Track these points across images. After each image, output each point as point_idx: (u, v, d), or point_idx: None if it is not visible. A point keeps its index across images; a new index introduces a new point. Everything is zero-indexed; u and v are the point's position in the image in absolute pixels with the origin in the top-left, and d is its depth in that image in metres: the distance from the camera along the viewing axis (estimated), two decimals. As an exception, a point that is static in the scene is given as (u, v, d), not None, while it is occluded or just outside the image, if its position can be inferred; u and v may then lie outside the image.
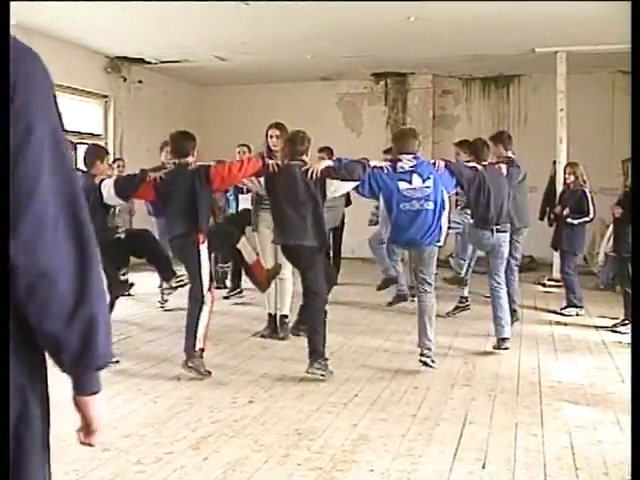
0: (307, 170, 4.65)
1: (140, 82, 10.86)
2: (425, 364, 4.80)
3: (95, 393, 1.28)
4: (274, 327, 5.91)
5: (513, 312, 5.91)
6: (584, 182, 7.05)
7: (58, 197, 1.18)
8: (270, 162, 4.87)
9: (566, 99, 9.22)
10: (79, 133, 9.70)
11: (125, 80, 10.49)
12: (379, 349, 5.48)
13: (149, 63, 10.52)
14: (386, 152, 7.23)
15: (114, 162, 8.34)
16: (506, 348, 5.34)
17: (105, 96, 10.20)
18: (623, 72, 10.20)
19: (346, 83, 12.00)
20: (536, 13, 7.25)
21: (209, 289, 4.72)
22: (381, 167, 4.77)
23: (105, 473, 3.16)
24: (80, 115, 9.82)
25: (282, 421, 3.88)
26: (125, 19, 7.85)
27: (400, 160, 4.77)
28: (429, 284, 4.89)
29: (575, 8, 7.04)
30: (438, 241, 4.82)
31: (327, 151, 7.69)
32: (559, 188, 8.38)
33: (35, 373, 1.24)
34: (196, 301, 4.65)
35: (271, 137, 5.75)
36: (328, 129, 11.59)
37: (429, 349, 4.82)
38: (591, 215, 6.93)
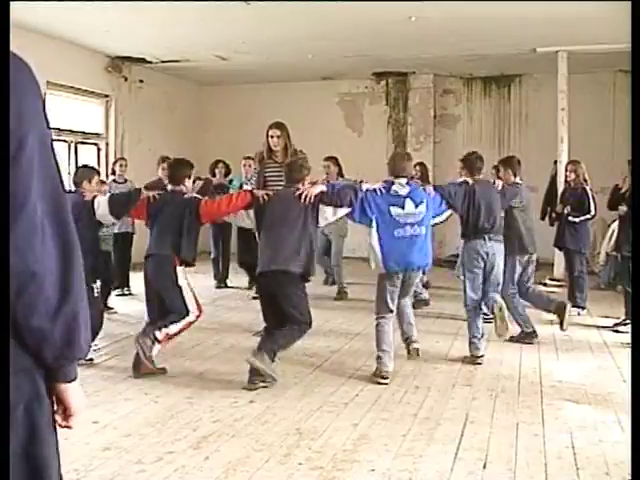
0: (300, 195, 4.59)
1: (141, 81, 10.86)
2: (417, 350, 4.94)
3: (73, 380, 1.38)
4: (275, 327, 5.91)
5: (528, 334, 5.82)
6: (585, 180, 7.05)
7: (46, 202, 1.25)
8: (259, 193, 4.81)
9: (567, 99, 9.23)
10: (80, 133, 9.71)
11: (126, 80, 10.49)
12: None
13: (150, 63, 10.52)
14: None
15: (116, 162, 8.34)
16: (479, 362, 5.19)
17: (106, 96, 10.20)
18: (624, 72, 10.20)
19: (347, 83, 12.00)
20: (537, 13, 7.24)
21: (198, 307, 4.76)
22: (374, 190, 4.67)
23: (106, 472, 3.16)
24: (81, 115, 9.83)
25: (283, 420, 3.88)
26: (126, 19, 7.85)
27: (394, 183, 4.71)
28: (410, 297, 5.19)
29: (576, 8, 7.04)
30: (428, 264, 4.88)
31: (332, 161, 7.70)
32: (560, 188, 8.38)
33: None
34: (179, 314, 4.67)
35: (272, 137, 5.73)
36: (329, 129, 11.62)
37: (413, 337, 4.99)
38: (592, 212, 6.92)
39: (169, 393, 4.34)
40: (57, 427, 1.40)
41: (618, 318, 6.37)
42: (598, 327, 6.47)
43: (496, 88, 11.65)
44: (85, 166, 5.56)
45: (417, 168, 8.07)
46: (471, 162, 5.33)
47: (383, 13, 7.37)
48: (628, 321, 6.03)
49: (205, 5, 7.09)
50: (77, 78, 9.25)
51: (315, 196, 4.59)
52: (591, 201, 6.91)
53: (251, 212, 4.74)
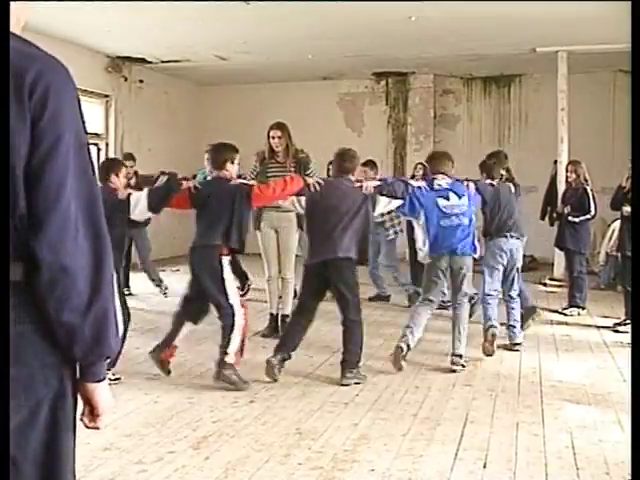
0: (360, 186, 4.74)
1: (141, 82, 10.86)
2: (453, 371, 4.91)
3: (102, 380, 1.39)
4: (275, 326, 5.90)
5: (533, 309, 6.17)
6: (586, 180, 7.04)
7: (79, 200, 1.30)
8: (311, 181, 4.79)
9: (567, 99, 9.22)
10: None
11: (126, 80, 10.49)
12: (380, 349, 5.47)
13: (150, 63, 10.52)
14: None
15: (125, 160, 8.25)
16: (517, 349, 5.54)
17: (106, 96, 10.20)
18: (624, 71, 10.20)
19: (347, 83, 12.00)
20: (537, 12, 7.24)
21: (242, 304, 4.65)
22: (419, 187, 5.01)
23: (106, 472, 3.15)
24: (81, 115, 9.83)
25: (283, 421, 3.88)
26: (126, 19, 7.86)
27: (435, 179, 5.03)
28: (465, 295, 5.11)
29: (576, 7, 7.04)
30: (474, 251, 5.11)
31: (371, 165, 7.65)
32: (560, 188, 8.38)
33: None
34: (227, 315, 4.47)
35: (273, 138, 5.73)
36: (329, 129, 11.61)
37: (459, 356, 4.96)
38: (592, 213, 6.92)
39: (169, 393, 4.34)
40: (75, 426, 1.41)
41: (618, 318, 6.37)
42: (598, 327, 6.46)
43: (496, 88, 11.66)
44: (112, 159, 5.19)
45: (419, 167, 8.10)
46: (489, 167, 5.71)
47: (383, 13, 7.37)
48: (628, 321, 6.04)
49: (205, 5, 7.09)
50: (77, 78, 8.85)
51: (374, 187, 4.78)
52: (591, 201, 6.90)
53: (302, 199, 4.74)
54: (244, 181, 4.81)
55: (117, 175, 4.62)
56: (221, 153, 4.70)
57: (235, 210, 4.49)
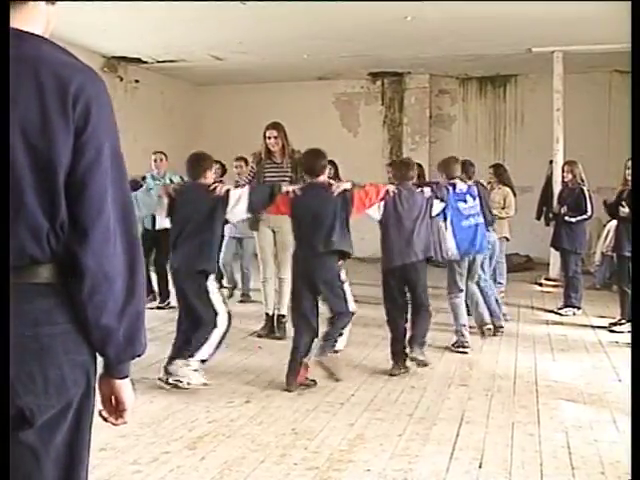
0: (422, 190, 5.04)
1: (137, 82, 10.81)
2: (491, 330, 5.81)
3: (127, 377, 1.46)
4: (271, 327, 5.91)
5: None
6: (582, 180, 7.04)
7: (117, 208, 1.36)
8: (390, 188, 4.85)
9: (562, 99, 9.22)
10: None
11: (122, 80, 10.42)
12: (376, 348, 5.46)
13: (146, 63, 10.48)
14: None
15: (154, 154, 8.10)
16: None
17: (101, 95, 10.16)
18: (620, 72, 10.22)
19: (343, 83, 11.99)
20: (533, 13, 7.24)
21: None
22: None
23: (101, 473, 3.14)
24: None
25: (279, 421, 3.87)
26: (122, 19, 7.82)
27: (456, 184, 5.45)
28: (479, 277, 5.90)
29: (572, 8, 7.04)
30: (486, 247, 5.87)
31: (420, 169, 7.71)
32: (556, 188, 8.38)
33: (93, 351, 1.41)
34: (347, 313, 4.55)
35: (269, 138, 5.71)
36: (324, 129, 11.59)
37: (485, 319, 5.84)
38: (589, 213, 6.92)
39: (164, 393, 4.32)
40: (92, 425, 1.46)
41: (614, 318, 6.37)
42: (593, 327, 6.46)
43: (492, 88, 11.66)
44: (202, 153, 4.85)
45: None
46: (467, 167, 5.97)
47: (379, 13, 7.37)
48: (624, 321, 6.05)
49: (201, 5, 7.07)
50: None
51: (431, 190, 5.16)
52: (588, 201, 6.90)
53: (382, 204, 4.83)
54: (347, 186, 4.63)
55: (211, 170, 4.62)
56: (317, 160, 4.66)
57: (337, 216, 4.48)
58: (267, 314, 5.98)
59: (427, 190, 5.00)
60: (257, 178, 5.69)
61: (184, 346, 4.38)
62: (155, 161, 7.27)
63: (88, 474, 1.49)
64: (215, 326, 4.38)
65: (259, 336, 5.87)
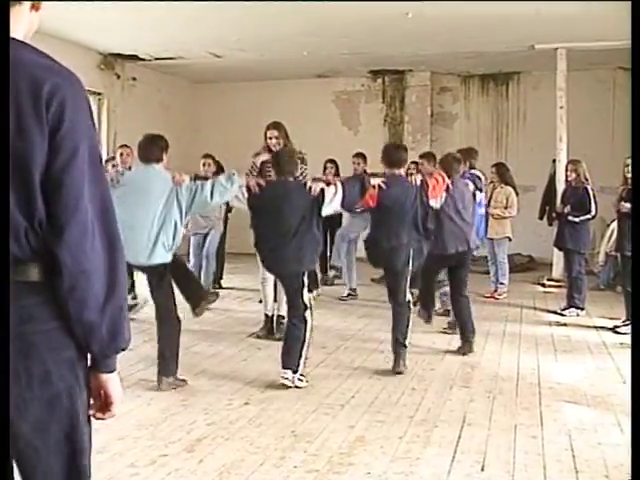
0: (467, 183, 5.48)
1: (134, 79, 10.75)
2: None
3: (113, 371, 1.51)
4: (270, 328, 5.84)
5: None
6: (586, 179, 6.98)
7: (94, 206, 1.39)
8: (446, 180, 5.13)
9: (566, 96, 9.14)
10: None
11: (119, 77, 10.35)
12: (376, 350, 5.42)
13: (143, 60, 10.42)
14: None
15: (120, 148, 8.09)
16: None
17: (98, 93, 10.07)
18: (624, 69, 10.15)
19: (343, 80, 11.92)
20: (535, 9, 7.18)
21: None
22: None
23: (99, 476, 3.09)
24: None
25: (278, 423, 3.84)
26: (118, 15, 7.75)
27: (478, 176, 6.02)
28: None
29: (576, 4, 6.98)
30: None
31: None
32: (559, 187, 8.32)
33: (81, 347, 1.45)
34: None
35: (270, 138, 5.67)
36: (324, 127, 11.55)
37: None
38: (593, 212, 6.85)
39: (162, 395, 4.27)
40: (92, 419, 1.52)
41: (618, 319, 6.33)
42: (597, 328, 6.42)
43: (494, 86, 11.58)
44: (290, 149, 4.84)
45: (412, 166, 8.03)
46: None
47: (379, 9, 7.31)
48: (628, 322, 5.99)
49: (199, 2, 7.02)
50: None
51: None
52: (592, 201, 6.84)
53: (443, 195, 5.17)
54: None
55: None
56: (400, 153, 4.90)
57: (417, 208, 4.76)
58: (266, 315, 5.91)
59: (470, 183, 5.41)
60: (261, 178, 5.62)
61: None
62: (121, 155, 7.37)
63: (91, 464, 1.53)
64: (306, 320, 4.48)
65: (258, 337, 5.81)
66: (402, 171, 4.84)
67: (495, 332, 6.13)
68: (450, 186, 5.11)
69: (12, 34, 1.41)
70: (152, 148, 4.41)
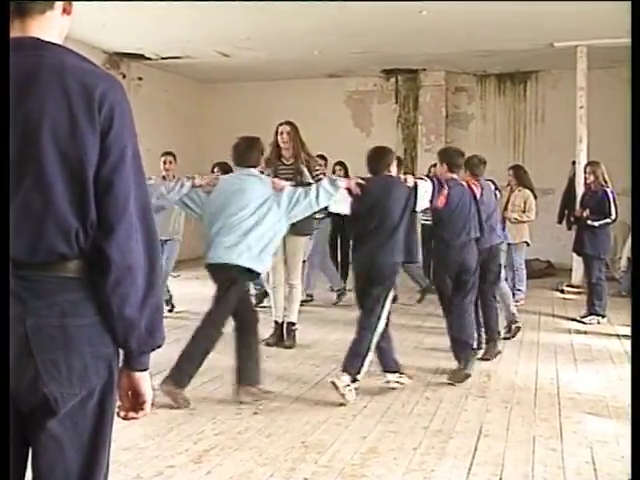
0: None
1: (140, 79, 10.73)
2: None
3: (147, 369, 1.54)
4: (280, 335, 5.74)
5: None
6: (605, 182, 6.84)
7: (138, 205, 1.46)
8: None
9: (586, 96, 8.98)
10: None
11: (124, 77, 10.29)
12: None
13: (149, 59, 10.40)
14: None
15: (163, 155, 7.73)
16: None
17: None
18: (646, 67, 9.96)
19: (355, 80, 11.84)
20: (554, 5, 7.04)
21: None
22: None
23: (103, 489, 3.02)
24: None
25: (288, 433, 3.76)
26: (124, 13, 7.70)
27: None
28: None
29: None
30: None
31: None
32: (579, 190, 8.19)
33: (116, 344, 1.49)
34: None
35: (281, 133, 5.58)
36: (336, 128, 11.46)
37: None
38: (613, 216, 6.71)
39: (169, 404, 4.15)
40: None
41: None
42: (619, 336, 6.29)
43: (511, 85, 11.43)
44: (383, 147, 4.67)
45: (433, 170, 7.93)
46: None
47: (392, 7, 7.23)
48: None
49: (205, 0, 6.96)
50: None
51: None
52: (612, 204, 6.70)
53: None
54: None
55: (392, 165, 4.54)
56: (458, 157, 5.14)
57: (478, 210, 5.02)
58: (276, 322, 5.81)
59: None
60: None
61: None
62: (164, 163, 7.05)
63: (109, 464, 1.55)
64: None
65: (267, 345, 5.66)
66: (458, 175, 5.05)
67: (512, 340, 6.02)
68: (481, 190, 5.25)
69: (46, 39, 1.46)
70: (251, 152, 4.43)
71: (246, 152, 4.42)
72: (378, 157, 4.50)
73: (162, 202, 4.50)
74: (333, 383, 4.21)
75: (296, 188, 4.40)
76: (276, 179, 4.50)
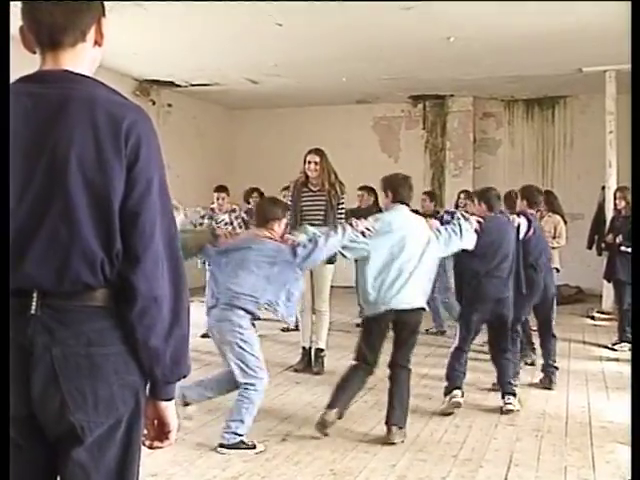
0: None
1: (169, 106, 10.85)
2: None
3: (172, 399, 1.54)
4: (308, 361, 5.70)
5: None
6: (636, 207, 6.74)
7: (164, 235, 1.47)
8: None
9: (615, 121, 8.84)
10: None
11: (154, 104, 10.41)
12: (418, 385, 5.21)
13: (179, 86, 10.52)
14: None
15: (251, 193, 7.91)
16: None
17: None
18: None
19: (383, 106, 11.85)
20: (583, 30, 6.99)
21: None
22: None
23: (129, 516, 3.02)
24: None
25: (316, 460, 3.73)
26: (154, 41, 7.81)
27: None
28: None
29: (625, 23, 6.78)
30: None
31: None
32: (608, 215, 8.05)
33: (142, 372, 1.48)
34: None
35: (309, 163, 5.55)
36: (364, 154, 11.47)
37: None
38: None
39: (198, 430, 4.17)
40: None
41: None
42: (652, 363, 6.13)
43: (539, 110, 11.35)
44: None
45: (462, 196, 7.90)
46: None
47: (420, 34, 7.25)
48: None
49: (235, 27, 7.04)
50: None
51: None
52: None
53: None
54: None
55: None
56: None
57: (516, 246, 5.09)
58: (303, 348, 5.78)
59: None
60: (294, 206, 5.55)
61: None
62: (217, 199, 7.04)
63: None
64: None
65: (296, 371, 5.67)
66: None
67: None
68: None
69: (77, 70, 1.48)
70: (410, 189, 4.52)
71: (408, 190, 4.53)
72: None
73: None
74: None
75: (445, 228, 4.47)
76: (433, 220, 4.72)
